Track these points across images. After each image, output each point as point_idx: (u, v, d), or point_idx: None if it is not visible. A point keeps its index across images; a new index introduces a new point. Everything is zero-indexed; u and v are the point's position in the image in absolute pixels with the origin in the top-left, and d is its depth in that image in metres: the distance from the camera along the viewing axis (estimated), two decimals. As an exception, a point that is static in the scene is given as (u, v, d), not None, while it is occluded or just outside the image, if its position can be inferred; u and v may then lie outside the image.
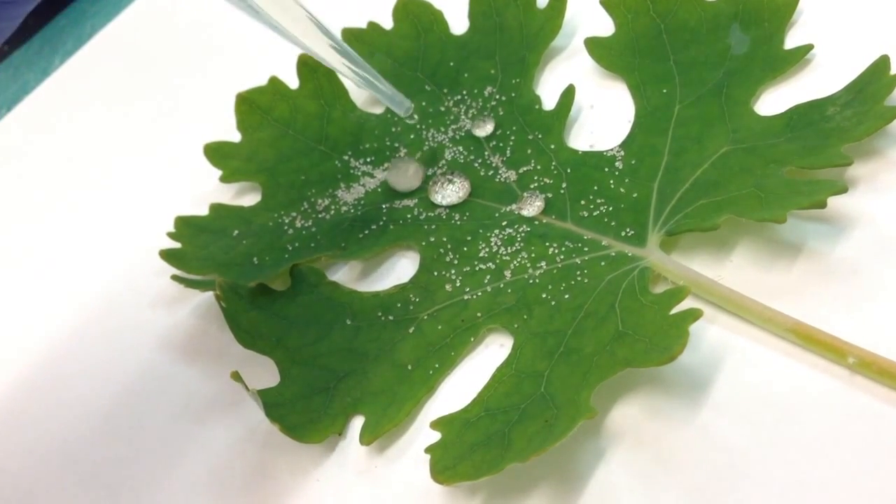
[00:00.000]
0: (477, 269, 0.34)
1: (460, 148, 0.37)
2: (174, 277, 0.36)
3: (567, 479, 0.29)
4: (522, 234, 0.34)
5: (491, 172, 0.36)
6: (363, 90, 0.35)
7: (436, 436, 0.30)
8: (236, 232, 0.37)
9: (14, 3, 0.25)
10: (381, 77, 0.34)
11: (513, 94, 0.38)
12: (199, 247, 0.37)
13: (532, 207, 0.35)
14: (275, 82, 0.40)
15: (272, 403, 0.31)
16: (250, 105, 0.40)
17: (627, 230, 0.33)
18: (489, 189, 0.36)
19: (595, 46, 0.38)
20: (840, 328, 0.29)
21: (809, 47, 0.35)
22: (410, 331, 0.33)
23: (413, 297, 0.34)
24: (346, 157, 0.38)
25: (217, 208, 0.38)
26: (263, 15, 0.30)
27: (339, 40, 0.33)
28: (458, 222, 0.35)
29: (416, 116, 0.38)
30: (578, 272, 0.32)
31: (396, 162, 0.37)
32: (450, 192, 0.36)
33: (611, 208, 0.34)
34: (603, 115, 0.37)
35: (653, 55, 0.37)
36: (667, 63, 0.36)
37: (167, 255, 0.37)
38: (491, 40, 0.40)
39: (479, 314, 0.33)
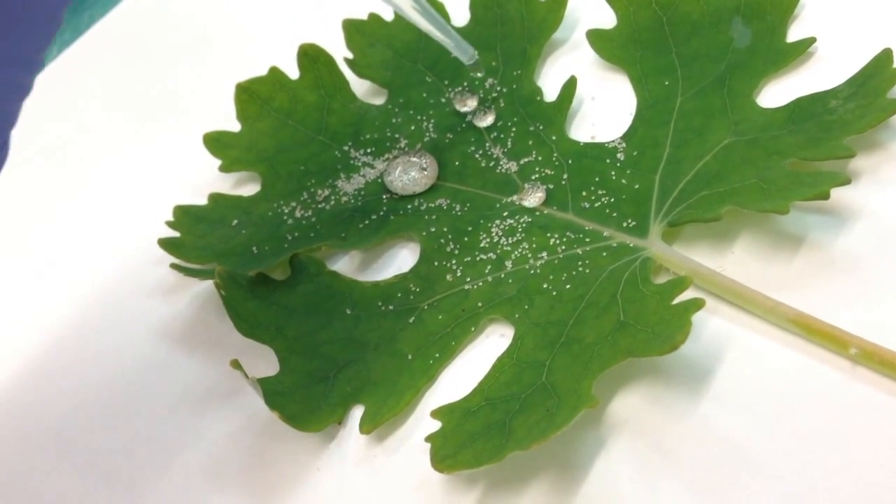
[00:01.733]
0: (478, 259, 0.34)
1: (461, 139, 0.37)
2: (173, 266, 0.36)
3: (568, 468, 0.29)
4: (524, 225, 0.34)
5: (492, 163, 0.36)
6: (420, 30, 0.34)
7: (436, 425, 0.30)
8: (235, 221, 0.37)
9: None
10: (447, 24, 0.34)
11: (514, 86, 0.38)
12: (198, 236, 0.37)
13: (533, 198, 0.34)
14: (275, 72, 0.40)
15: (272, 392, 0.31)
16: (250, 95, 0.40)
17: (629, 221, 0.33)
18: (490, 180, 0.36)
19: (597, 38, 0.38)
20: (842, 319, 0.29)
21: (812, 40, 0.35)
22: (411, 320, 0.33)
23: (414, 286, 0.34)
24: (346, 148, 0.38)
25: (216, 198, 0.38)
26: None
27: None
28: (459, 213, 0.35)
29: (481, 71, 0.38)
30: (580, 263, 0.32)
31: (396, 164, 0.37)
32: (409, 181, 0.36)
33: (612, 199, 0.33)
34: (604, 107, 0.37)
35: (655, 47, 0.37)
36: (669, 55, 0.36)
37: (166, 244, 0.36)
38: (492, 32, 0.39)
39: (479, 304, 0.33)
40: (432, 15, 0.33)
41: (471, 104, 0.37)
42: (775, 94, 0.35)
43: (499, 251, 0.34)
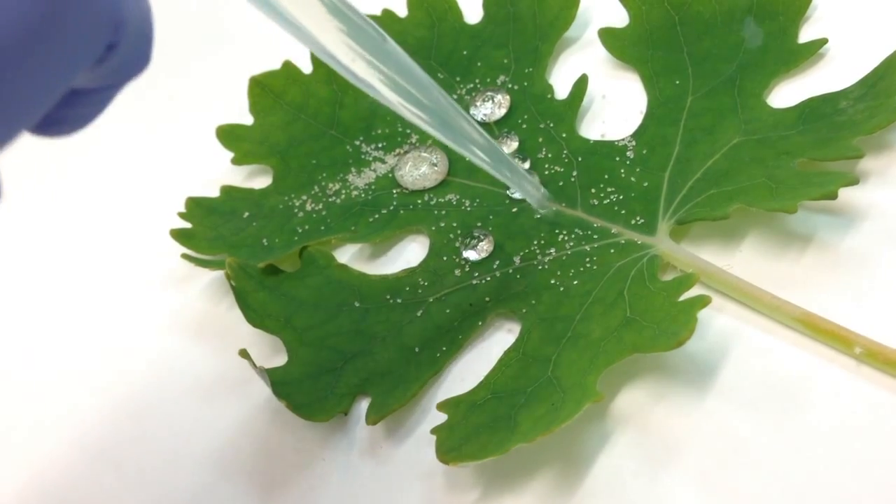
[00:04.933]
0: (486, 254, 0.34)
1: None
2: (184, 256, 0.36)
3: (572, 462, 0.29)
4: (533, 221, 0.34)
5: (502, 160, 0.36)
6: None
7: (442, 417, 0.30)
8: (247, 214, 0.37)
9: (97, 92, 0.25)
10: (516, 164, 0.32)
11: (525, 83, 0.38)
12: (209, 227, 0.37)
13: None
14: (288, 66, 0.40)
15: (280, 382, 0.31)
16: (263, 88, 0.40)
17: (637, 218, 0.33)
18: (500, 176, 0.36)
19: (609, 37, 0.38)
20: (848, 318, 0.29)
21: (823, 41, 0.35)
22: (418, 314, 0.33)
23: (422, 280, 0.34)
24: (357, 143, 0.39)
25: (228, 190, 0.39)
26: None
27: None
28: (469, 208, 0.35)
29: (552, 209, 0.34)
30: (588, 259, 0.32)
31: (407, 159, 0.37)
32: (419, 176, 0.36)
33: (621, 197, 0.34)
34: (615, 105, 0.37)
35: (666, 47, 0.37)
36: (680, 55, 0.36)
37: (178, 235, 0.37)
38: (504, 30, 0.40)
39: (487, 299, 0.33)
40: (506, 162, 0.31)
41: (511, 144, 0.37)
42: (786, 94, 0.35)
43: (507, 247, 0.34)
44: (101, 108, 0.25)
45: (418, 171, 0.37)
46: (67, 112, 0.23)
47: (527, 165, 0.36)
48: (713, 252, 0.32)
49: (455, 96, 0.39)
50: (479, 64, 0.39)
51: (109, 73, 0.23)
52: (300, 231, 0.36)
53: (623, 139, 0.35)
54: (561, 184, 0.35)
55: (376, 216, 0.36)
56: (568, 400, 0.28)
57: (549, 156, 0.36)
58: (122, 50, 0.22)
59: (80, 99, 0.23)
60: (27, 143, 0.42)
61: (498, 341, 0.32)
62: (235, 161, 0.39)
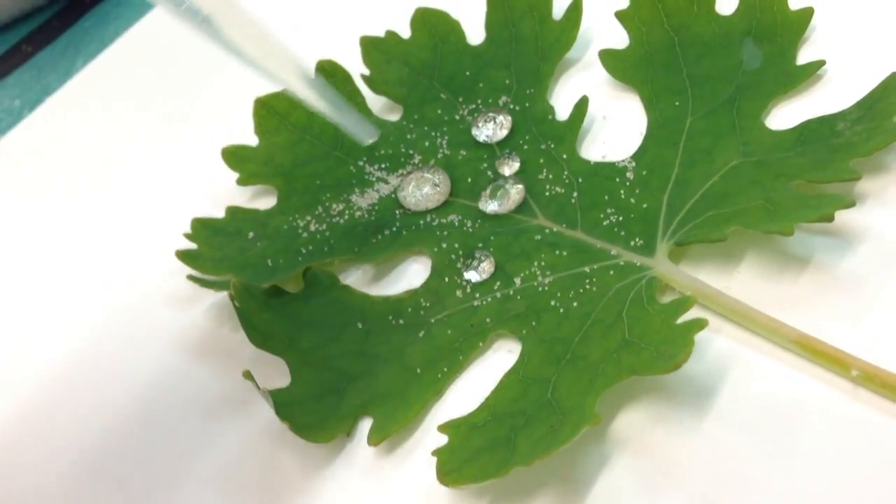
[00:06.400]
0: (487, 275, 0.34)
1: (474, 156, 0.38)
2: (190, 277, 0.36)
3: (571, 484, 0.29)
4: (533, 242, 0.34)
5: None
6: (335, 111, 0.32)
7: (443, 438, 0.30)
8: (251, 234, 0.38)
9: None
10: (347, 105, 0.33)
11: (527, 104, 0.38)
12: (214, 248, 0.38)
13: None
14: (293, 88, 0.41)
15: (283, 403, 0.32)
16: (268, 110, 0.40)
17: (637, 240, 0.33)
18: (501, 197, 0.36)
19: (609, 58, 0.38)
20: (844, 341, 0.29)
21: (821, 63, 0.35)
22: (420, 335, 0.33)
23: (424, 301, 0.34)
24: (360, 163, 0.39)
25: (233, 211, 0.39)
26: (222, 36, 0.29)
27: (302, 66, 0.31)
28: (470, 229, 0.36)
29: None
30: (587, 280, 0.33)
31: (410, 180, 0.38)
32: (422, 197, 0.36)
33: (621, 218, 0.34)
34: (615, 127, 0.38)
35: (666, 68, 0.37)
36: (680, 76, 0.37)
37: (183, 256, 0.37)
38: (507, 51, 0.40)
39: (488, 320, 0.33)
40: (329, 96, 0.32)
41: (513, 165, 0.37)
42: (784, 115, 0.35)
43: (508, 268, 0.34)
44: None
45: (421, 191, 0.37)
46: None
47: (521, 188, 0.36)
48: (711, 273, 0.32)
49: (458, 117, 0.39)
50: (481, 85, 0.40)
51: None
52: (304, 252, 0.37)
53: (623, 160, 0.36)
54: (561, 205, 0.35)
55: (379, 237, 0.37)
56: (567, 422, 0.28)
57: (550, 177, 0.36)
58: None
59: None
60: (33, 164, 0.43)
61: (499, 362, 0.32)
62: (241, 182, 0.40)
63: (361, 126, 0.33)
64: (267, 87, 0.41)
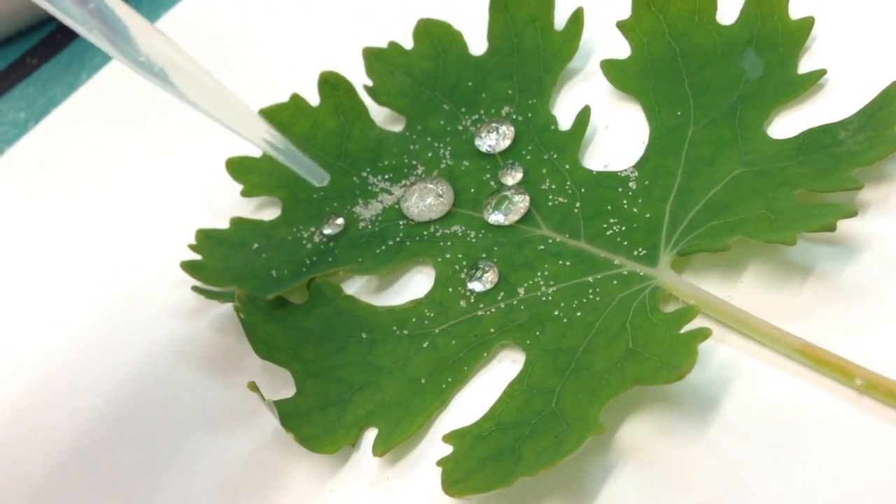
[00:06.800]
0: (491, 285, 0.34)
1: (477, 166, 0.38)
2: (194, 288, 0.37)
3: (576, 494, 0.29)
4: (537, 252, 0.35)
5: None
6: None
7: (448, 449, 0.30)
8: (256, 245, 0.38)
9: None
10: (297, 150, 0.34)
11: (529, 114, 0.39)
12: (219, 259, 0.38)
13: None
14: (296, 99, 0.41)
15: (288, 414, 0.32)
16: (272, 121, 0.40)
17: (640, 250, 0.33)
18: (504, 207, 0.36)
19: (611, 68, 0.38)
20: (848, 350, 0.29)
21: (822, 72, 0.35)
22: (424, 345, 0.33)
23: (428, 312, 0.34)
24: (364, 174, 0.39)
25: (237, 222, 0.39)
26: (177, 89, 0.31)
27: (253, 112, 0.34)
28: (474, 240, 0.36)
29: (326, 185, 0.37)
30: (591, 290, 0.33)
31: (413, 190, 0.38)
32: (425, 207, 0.37)
33: (623, 228, 0.34)
34: (618, 136, 0.38)
35: (668, 78, 0.37)
36: (681, 86, 0.37)
37: (188, 267, 0.37)
38: (509, 61, 0.40)
39: (492, 330, 0.33)
40: (280, 144, 0.34)
41: (516, 175, 0.37)
42: (786, 125, 0.35)
43: (511, 278, 0.34)
44: None
45: (424, 202, 0.37)
46: None
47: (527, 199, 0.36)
48: (714, 283, 0.32)
49: (460, 127, 0.39)
50: (483, 95, 0.40)
51: None
52: (308, 263, 0.37)
53: (625, 170, 0.36)
54: (564, 215, 0.35)
55: (383, 247, 0.37)
56: (571, 432, 0.28)
57: (553, 187, 0.36)
58: None
59: None
60: (38, 175, 0.43)
61: (503, 372, 0.33)
62: (245, 193, 0.40)
63: (313, 171, 0.34)
64: (269, 98, 0.41)
